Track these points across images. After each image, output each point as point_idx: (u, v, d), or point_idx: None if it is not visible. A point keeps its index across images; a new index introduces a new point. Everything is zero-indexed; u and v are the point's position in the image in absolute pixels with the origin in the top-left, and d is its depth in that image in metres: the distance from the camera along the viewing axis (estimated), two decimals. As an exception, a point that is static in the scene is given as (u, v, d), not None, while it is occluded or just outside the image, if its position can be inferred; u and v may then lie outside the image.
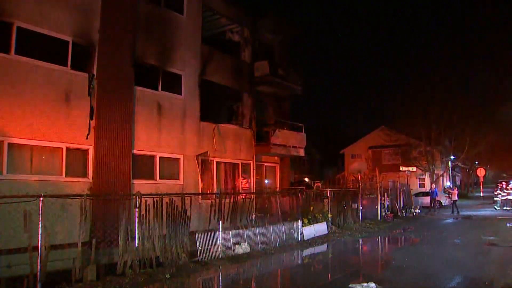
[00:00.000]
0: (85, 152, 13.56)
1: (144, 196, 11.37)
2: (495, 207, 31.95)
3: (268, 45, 24.09)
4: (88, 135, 13.43)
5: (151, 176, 15.83)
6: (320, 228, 17.67)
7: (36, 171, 12.31)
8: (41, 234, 9.05)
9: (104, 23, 14.10)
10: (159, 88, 16.47)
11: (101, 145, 13.61)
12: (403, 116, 42.98)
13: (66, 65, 13.22)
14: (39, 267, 8.87)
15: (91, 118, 13.51)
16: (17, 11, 12.13)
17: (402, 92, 44.61)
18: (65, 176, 12.89)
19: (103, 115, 13.76)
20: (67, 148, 13.01)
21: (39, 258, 8.92)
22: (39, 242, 9.00)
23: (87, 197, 10.86)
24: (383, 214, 24.89)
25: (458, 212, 28.86)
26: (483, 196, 45.15)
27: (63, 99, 13.00)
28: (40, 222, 9.07)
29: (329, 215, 18.97)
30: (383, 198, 25.61)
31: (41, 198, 9.25)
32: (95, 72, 13.79)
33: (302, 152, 24.73)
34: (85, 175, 13.48)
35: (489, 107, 44.80)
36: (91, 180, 13.44)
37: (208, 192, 17.59)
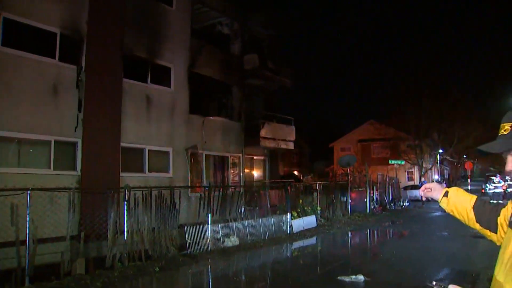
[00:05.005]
0: (73, 145, 13.47)
1: (133, 189, 11.32)
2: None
3: (258, 38, 24.05)
4: (76, 128, 13.33)
5: (141, 169, 15.78)
6: (309, 221, 17.73)
7: (24, 164, 12.24)
8: (28, 227, 8.98)
9: (93, 15, 13.97)
10: (148, 80, 16.40)
11: (89, 138, 13.50)
12: (393, 109, 43.13)
13: (54, 57, 13.11)
14: (27, 261, 8.81)
15: (79, 111, 13.41)
16: (4, 1, 11.98)
17: (392, 86, 44.80)
18: (53, 169, 12.81)
19: (92, 107, 13.64)
20: (55, 141, 12.93)
21: (27, 251, 8.85)
22: (27, 236, 8.93)
23: (75, 190, 10.81)
24: (372, 207, 25.04)
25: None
26: (470, 189, 45.47)
27: (51, 91, 12.89)
28: (27, 215, 9.00)
29: (318, 208, 19.05)
30: (372, 191, 25.77)
31: (28, 191, 9.17)
32: (83, 65, 13.67)
33: (291, 146, 24.77)
34: (73, 168, 13.41)
35: (478, 101, 45.20)
36: (79, 173, 13.34)
37: (198, 185, 17.57)
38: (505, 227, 1.90)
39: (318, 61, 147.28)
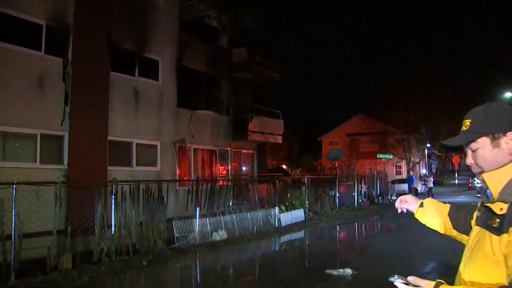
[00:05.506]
0: (60, 138, 13.33)
1: (121, 183, 11.26)
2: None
3: (247, 31, 23.91)
4: (63, 121, 13.18)
5: (128, 163, 15.68)
6: (297, 215, 17.76)
7: (9, 158, 12.06)
8: (14, 222, 8.90)
9: (79, 6, 13.79)
10: (136, 73, 16.25)
11: (76, 132, 13.38)
12: (381, 103, 43.27)
13: (40, 50, 12.92)
14: (12, 256, 8.72)
15: (66, 104, 13.26)
16: (-12, -7, 11.80)
17: (380, 80, 45.01)
18: (40, 163, 12.66)
19: (79, 101, 13.51)
20: (41, 135, 12.77)
21: (12, 246, 8.76)
22: (13, 231, 8.85)
23: (62, 184, 10.71)
24: (360, 200, 25.15)
25: (433, 198, 29.32)
26: (458, 183, 45.82)
27: (37, 84, 12.73)
28: (13, 210, 8.91)
29: (306, 202, 19.08)
30: (360, 185, 25.87)
31: (14, 185, 9.07)
32: (70, 57, 13.50)
33: (279, 139, 24.79)
34: (60, 162, 13.27)
35: (466, 96, 45.41)
36: (66, 167, 13.22)
37: (185, 178, 17.52)
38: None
39: (307, 54, 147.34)
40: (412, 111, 42.47)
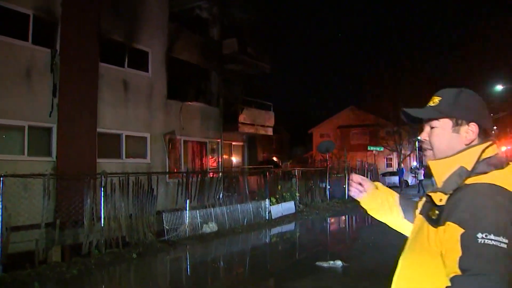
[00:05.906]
0: (48, 130, 13.19)
1: (110, 175, 11.16)
2: None
3: (238, 23, 23.79)
4: (51, 113, 13.03)
5: (118, 155, 15.56)
6: (287, 207, 17.75)
7: (-4, 150, 11.93)
8: (1, 215, 8.79)
9: (67, -4, 13.62)
10: (125, 65, 16.09)
11: (65, 123, 13.22)
12: (372, 95, 43.24)
13: (27, 40, 12.73)
14: (0, 249, 8.62)
15: (54, 95, 13.10)
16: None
17: (371, 72, 44.82)
18: (28, 155, 12.51)
19: (67, 92, 13.34)
20: (29, 127, 12.62)
21: (0, 239, 8.67)
22: (0, 224, 8.74)
23: (50, 177, 10.58)
24: (351, 193, 25.14)
25: (424, 191, 29.48)
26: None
27: (25, 75, 12.56)
28: (0, 202, 8.80)
29: (297, 194, 19.07)
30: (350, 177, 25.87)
31: (1, 178, 8.95)
32: (58, 48, 13.32)
33: (270, 131, 24.74)
34: (48, 154, 13.14)
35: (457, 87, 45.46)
36: (55, 159, 13.08)
37: (175, 170, 17.44)
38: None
39: (298, 46, 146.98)
40: (401, 103, 42.48)
